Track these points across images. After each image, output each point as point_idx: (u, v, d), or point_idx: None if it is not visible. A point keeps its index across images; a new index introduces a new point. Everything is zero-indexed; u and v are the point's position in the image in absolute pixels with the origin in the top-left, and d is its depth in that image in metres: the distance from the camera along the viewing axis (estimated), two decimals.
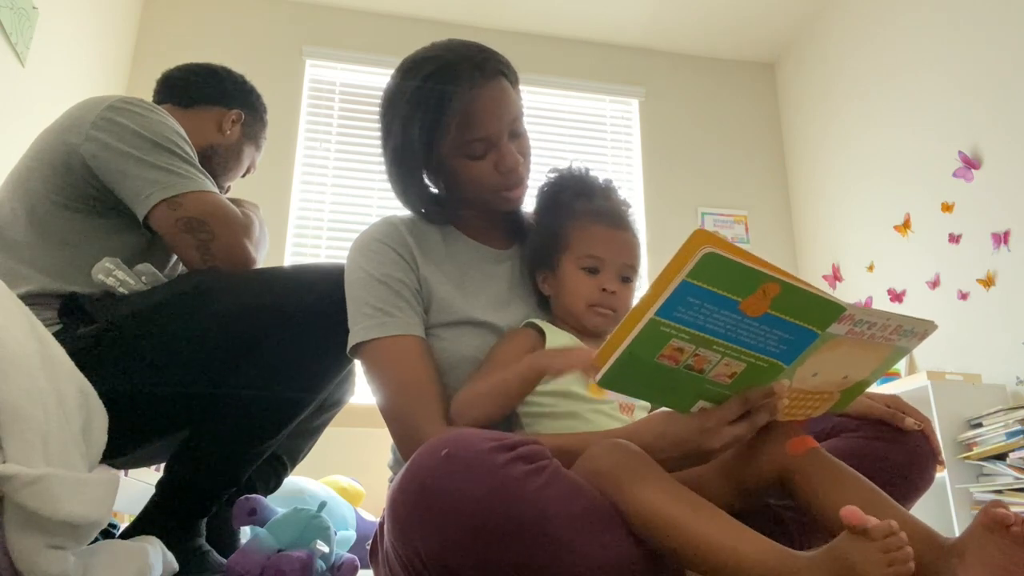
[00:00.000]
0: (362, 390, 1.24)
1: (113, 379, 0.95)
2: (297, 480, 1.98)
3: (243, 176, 1.54)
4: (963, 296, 2.81)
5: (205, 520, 1.15)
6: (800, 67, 3.98)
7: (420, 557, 0.65)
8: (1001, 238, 2.67)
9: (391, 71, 1.06)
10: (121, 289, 1.11)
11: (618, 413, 0.95)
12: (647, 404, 0.98)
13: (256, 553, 1.08)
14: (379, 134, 1.06)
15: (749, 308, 0.65)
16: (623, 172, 3.87)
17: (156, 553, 0.93)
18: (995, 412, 2.36)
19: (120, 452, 1.04)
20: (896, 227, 3.18)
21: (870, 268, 3.35)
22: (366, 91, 3.63)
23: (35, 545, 0.70)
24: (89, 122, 1.14)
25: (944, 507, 2.39)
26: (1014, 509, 0.65)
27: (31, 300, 1.07)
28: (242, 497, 1.17)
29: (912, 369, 3.01)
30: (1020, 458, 2.21)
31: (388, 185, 1.08)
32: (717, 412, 0.75)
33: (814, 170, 3.81)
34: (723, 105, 4.06)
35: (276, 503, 1.24)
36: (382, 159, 1.07)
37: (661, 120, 3.95)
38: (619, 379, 0.72)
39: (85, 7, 2.92)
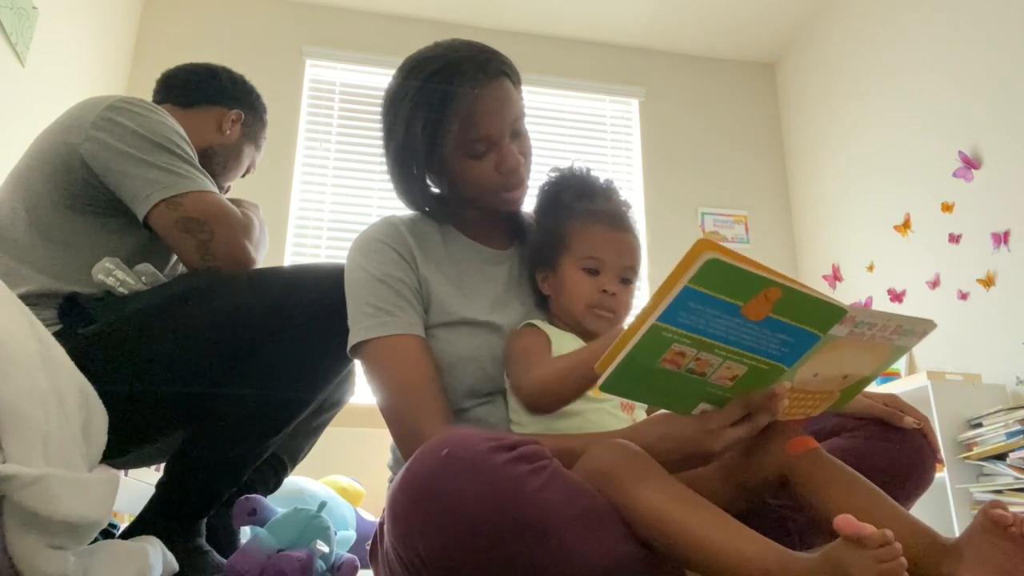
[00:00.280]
0: (362, 390, 1.24)
1: (113, 379, 0.95)
2: (297, 480, 1.98)
3: (243, 176, 1.54)
4: (963, 296, 2.81)
5: (205, 520, 1.15)
6: (800, 67, 3.98)
7: (420, 557, 0.65)
8: (1001, 238, 2.67)
9: (391, 71, 1.06)
10: (121, 289, 1.11)
11: (619, 412, 0.95)
12: None
13: (256, 553, 1.08)
14: (380, 134, 1.06)
15: (751, 312, 0.65)
16: (623, 172, 3.87)
17: (156, 553, 0.93)
18: (995, 412, 2.36)
19: (120, 452, 1.04)
20: (896, 227, 3.18)
21: (870, 268, 3.35)
22: (366, 91, 3.63)
23: (35, 545, 0.70)
24: (89, 122, 1.14)
25: (944, 507, 2.39)
26: (1014, 509, 0.65)
27: (31, 300, 1.07)
28: (242, 497, 1.17)
29: (912, 369, 3.01)
30: (1020, 458, 2.21)
31: (388, 185, 1.08)
32: (719, 414, 0.76)
33: (814, 170, 3.81)
34: (723, 105, 4.07)
35: (276, 503, 1.24)
36: (383, 158, 1.07)
37: (661, 120, 3.95)
38: (621, 383, 0.72)
39: (85, 7, 2.92)
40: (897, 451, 0.94)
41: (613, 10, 3.78)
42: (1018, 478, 2.20)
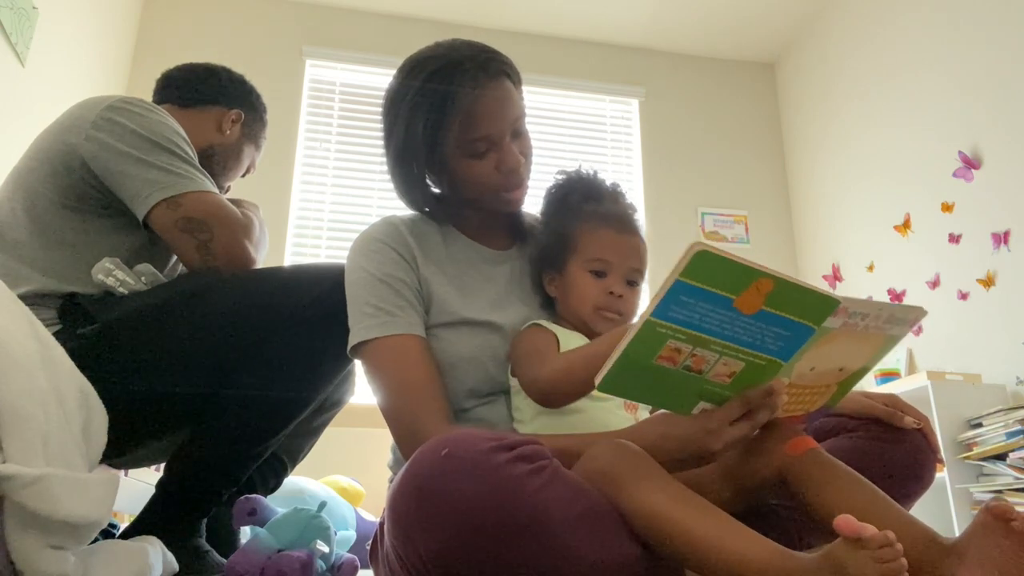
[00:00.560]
0: (362, 390, 1.24)
1: (113, 379, 0.95)
2: (297, 480, 1.98)
3: (243, 176, 1.54)
4: (963, 296, 2.81)
5: (205, 520, 1.15)
6: (800, 67, 3.98)
7: (420, 557, 0.65)
8: (1001, 238, 2.67)
9: (391, 71, 1.06)
10: (121, 289, 1.11)
11: (621, 411, 0.95)
12: None
13: (256, 553, 1.08)
14: (380, 133, 1.06)
15: (744, 305, 0.65)
16: (623, 172, 3.87)
17: (156, 553, 0.93)
18: (995, 412, 2.36)
19: (120, 452, 1.04)
20: (896, 227, 3.18)
21: (870, 268, 3.35)
22: (366, 91, 3.63)
23: (35, 545, 0.70)
24: (89, 122, 1.14)
25: (944, 507, 2.39)
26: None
27: (31, 300, 1.07)
28: (242, 497, 1.17)
29: (912, 369, 3.01)
30: (1020, 458, 2.21)
31: (388, 185, 1.08)
32: (718, 413, 0.76)
33: (814, 170, 3.81)
34: (723, 105, 4.07)
35: (276, 503, 1.24)
36: (384, 158, 1.07)
37: (661, 120, 3.95)
38: (619, 382, 0.72)
39: (85, 7, 2.92)
40: (897, 451, 0.94)
41: (613, 10, 3.79)
42: (1018, 478, 2.20)
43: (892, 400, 0.98)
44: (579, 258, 1.00)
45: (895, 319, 0.73)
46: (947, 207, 2.91)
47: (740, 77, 4.15)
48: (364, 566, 1.21)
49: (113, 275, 1.11)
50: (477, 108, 0.97)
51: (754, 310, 0.65)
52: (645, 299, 0.92)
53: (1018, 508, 0.64)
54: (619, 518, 0.70)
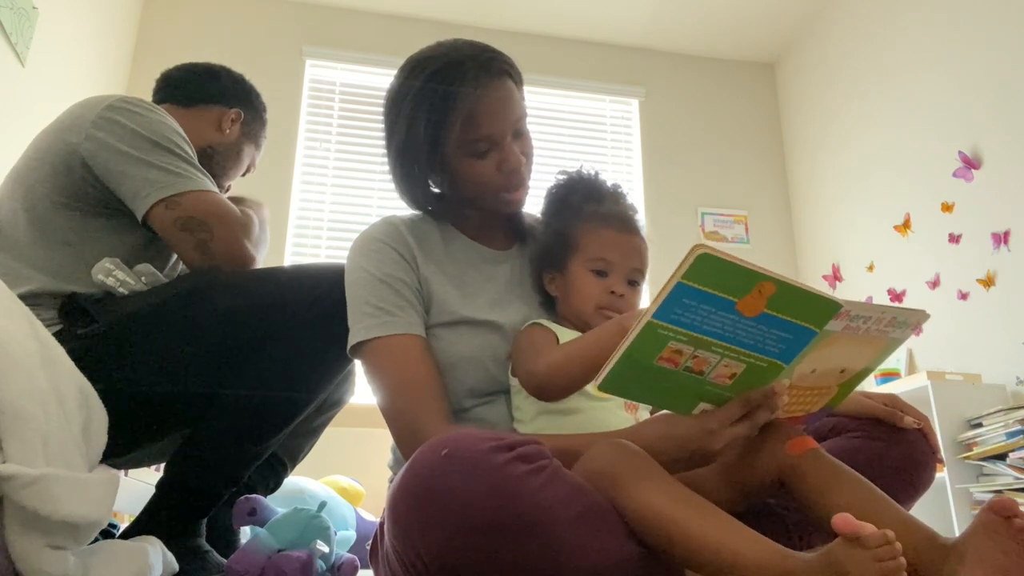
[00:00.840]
0: (362, 390, 1.24)
1: (113, 379, 0.95)
2: (297, 480, 1.98)
3: (243, 175, 1.54)
4: (963, 296, 2.81)
5: (205, 520, 1.15)
6: (800, 67, 3.98)
7: (420, 557, 0.65)
8: (1001, 238, 2.67)
9: (391, 71, 1.06)
10: (121, 289, 1.11)
11: (621, 411, 0.95)
12: None
13: (256, 553, 1.08)
14: (381, 133, 1.06)
15: (746, 308, 0.65)
16: (623, 172, 3.87)
17: (156, 553, 0.93)
18: (995, 412, 2.36)
19: (120, 452, 1.04)
20: (896, 227, 3.18)
21: (870, 268, 3.35)
22: (366, 91, 3.63)
23: (35, 545, 0.70)
24: (89, 121, 1.14)
25: (944, 507, 2.39)
26: None
27: (31, 300, 1.07)
28: (242, 497, 1.17)
29: (912, 369, 3.01)
30: (1020, 458, 2.21)
31: (388, 185, 1.08)
32: (719, 413, 0.76)
33: (814, 170, 3.81)
34: (723, 105, 4.07)
35: (276, 503, 1.24)
36: (385, 157, 1.07)
37: (661, 120, 3.95)
38: (619, 382, 0.72)
39: (85, 7, 2.92)
40: (897, 451, 0.94)
41: (613, 10, 3.79)
42: (1018, 478, 2.20)
43: (892, 400, 0.98)
44: (580, 257, 1.00)
45: (897, 322, 0.73)
46: (947, 207, 2.91)
47: (740, 77, 4.15)
48: (364, 566, 1.21)
49: (113, 275, 1.11)
50: (479, 108, 0.97)
51: (756, 313, 0.65)
52: (646, 299, 0.92)
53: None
54: (619, 518, 0.70)
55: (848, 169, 3.54)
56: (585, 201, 1.03)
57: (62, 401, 0.79)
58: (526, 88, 1.08)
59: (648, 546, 0.69)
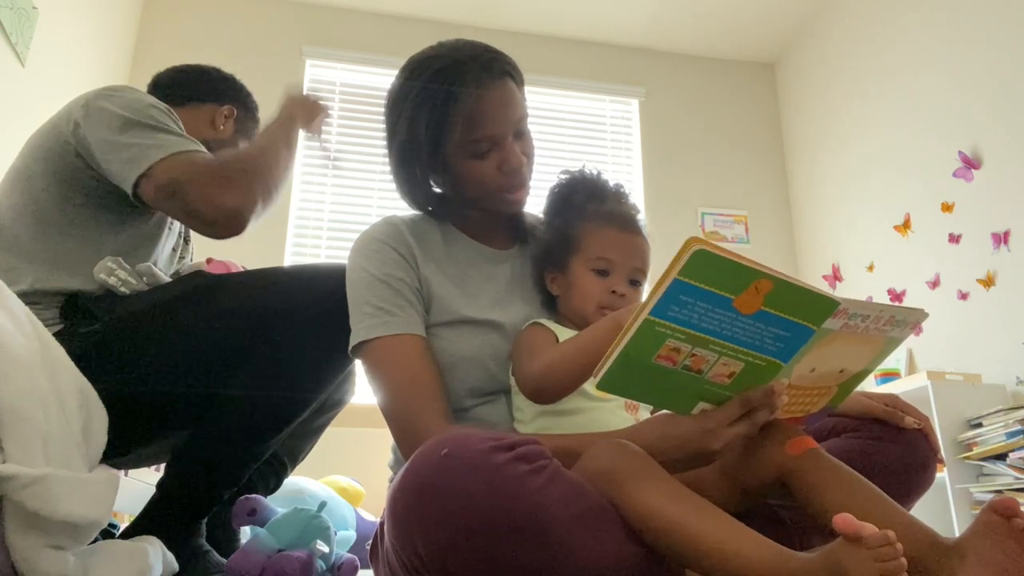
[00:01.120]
0: (362, 390, 1.24)
1: (113, 379, 0.95)
2: (297, 480, 1.98)
3: None
4: (963, 296, 2.81)
5: (205, 520, 1.15)
6: (800, 67, 3.98)
7: (420, 557, 0.65)
8: (1001, 238, 2.67)
9: (391, 71, 1.06)
10: (123, 289, 1.11)
11: (621, 411, 0.95)
12: None
13: (256, 553, 1.08)
14: (381, 133, 1.07)
15: (743, 305, 0.65)
16: (623, 172, 3.88)
17: (156, 553, 0.93)
18: (995, 412, 2.36)
19: (120, 452, 1.04)
20: (896, 227, 3.18)
21: (870, 268, 3.35)
22: (366, 91, 3.63)
23: (35, 545, 0.70)
24: (76, 113, 1.15)
25: (944, 507, 2.39)
26: None
27: (31, 298, 1.07)
28: (242, 497, 1.17)
29: (912, 369, 3.01)
30: (1020, 458, 2.21)
31: (388, 185, 1.08)
32: (718, 413, 0.76)
33: (814, 170, 3.81)
34: (723, 105, 4.07)
35: (276, 503, 1.24)
36: (386, 157, 1.07)
37: (661, 120, 3.95)
38: (618, 381, 0.72)
39: (85, 7, 2.92)
40: (897, 451, 0.94)
41: (613, 10, 3.79)
42: (1018, 478, 2.20)
43: (892, 400, 0.98)
44: (582, 257, 1.00)
45: (896, 321, 0.73)
46: (947, 207, 2.91)
47: (740, 77, 4.16)
48: (364, 566, 1.21)
49: (115, 275, 1.11)
50: (480, 108, 0.97)
51: (753, 310, 0.65)
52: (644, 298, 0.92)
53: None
54: (619, 518, 0.70)
55: (848, 169, 3.54)
56: (588, 200, 1.03)
57: (62, 401, 0.79)
58: (526, 88, 1.08)
59: (648, 546, 0.69)
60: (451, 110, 0.96)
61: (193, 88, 1.43)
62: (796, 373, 0.74)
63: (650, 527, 0.68)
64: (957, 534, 0.68)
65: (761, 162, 4.02)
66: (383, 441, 1.00)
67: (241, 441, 1.12)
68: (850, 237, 3.50)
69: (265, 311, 1.08)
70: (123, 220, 1.19)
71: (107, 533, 1.22)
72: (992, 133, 2.74)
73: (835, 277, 3.58)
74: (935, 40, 3.06)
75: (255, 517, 1.15)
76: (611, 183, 1.07)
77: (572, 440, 0.85)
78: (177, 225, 1.38)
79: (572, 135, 3.85)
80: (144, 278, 1.14)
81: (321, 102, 1.42)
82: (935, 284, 2.95)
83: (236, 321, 1.08)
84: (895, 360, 3.06)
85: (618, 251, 0.99)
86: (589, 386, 0.92)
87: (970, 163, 2.81)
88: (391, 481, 0.97)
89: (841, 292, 3.51)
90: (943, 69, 3.00)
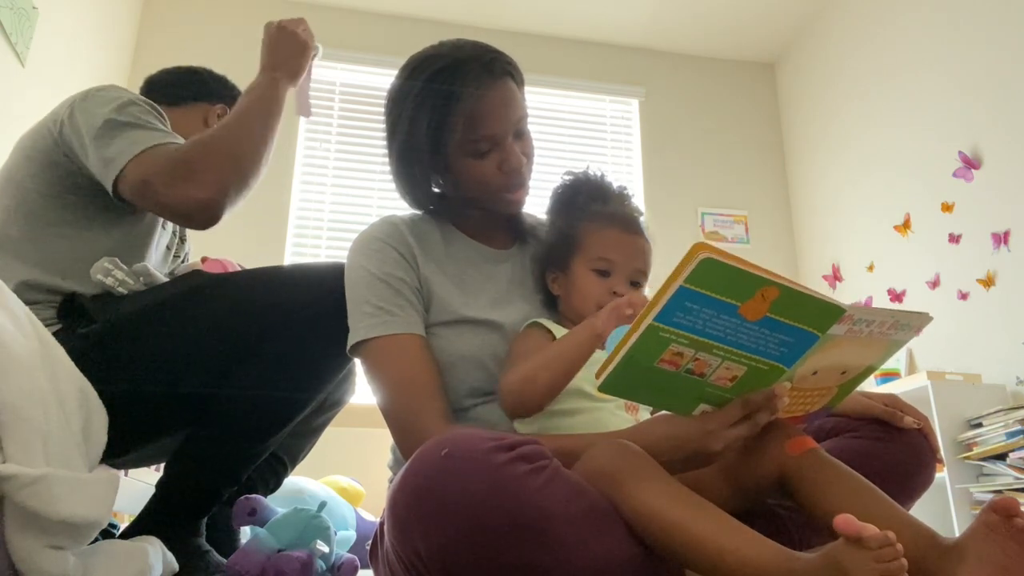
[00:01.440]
0: (362, 390, 1.24)
1: (113, 379, 0.95)
2: (297, 480, 1.98)
3: None
4: (963, 296, 2.81)
5: (205, 520, 1.15)
6: (800, 67, 3.98)
7: (420, 557, 0.65)
8: (1001, 238, 2.67)
9: (391, 71, 1.06)
10: (120, 289, 1.11)
11: (622, 412, 0.95)
12: None
13: (256, 553, 1.08)
14: (381, 133, 1.07)
15: (748, 312, 0.65)
16: (623, 172, 3.87)
17: (156, 553, 0.93)
18: (995, 412, 2.36)
19: (120, 452, 1.04)
20: (896, 227, 3.18)
21: (870, 268, 3.35)
22: (366, 91, 3.63)
23: (35, 545, 0.70)
24: (63, 115, 1.16)
25: (944, 507, 2.39)
26: None
27: (28, 297, 1.07)
28: (242, 497, 1.17)
29: (912, 369, 3.01)
30: (1020, 458, 2.21)
31: (388, 185, 1.08)
32: (719, 415, 0.75)
33: (814, 170, 3.81)
34: (723, 105, 4.07)
35: (276, 503, 1.24)
36: (386, 157, 1.07)
37: (661, 120, 3.95)
38: (620, 384, 0.72)
39: (85, 7, 2.92)
40: (897, 451, 0.94)
41: (613, 10, 3.78)
42: (1018, 478, 2.20)
43: (892, 400, 0.98)
44: (583, 257, 1.00)
45: (900, 325, 0.72)
46: (947, 207, 2.91)
47: (740, 77, 4.15)
48: (364, 566, 1.21)
49: (112, 275, 1.11)
50: (480, 108, 0.97)
51: (758, 317, 0.65)
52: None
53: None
54: (619, 518, 0.70)
55: (848, 169, 3.54)
56: (590, 201, 1.03)
57: (62, 401, 0.79)
58: (527, 88, 1.08)
59: (648, 546, 0.69)
60: (451, 110, 0.96)
61: (185, 88, 1.45)
62: (798, 375, 0.74)
63: (650, 527, 0.68)
64: (957, 534, 0.68)
65: (761, 162, 4.02)
66: (383, 441, 1.00)
67: (240, 441, 1.12)
68: (850, 237, 3.50)
69: (264, 310, 1.08)
70: (115, 219, 1.19)
71: (107, 533, 1.22)
72: (992, 133, 2.74)
73: (835, 277, 3.58)
74: (935, 40, 3.06)
75: (255, 517, 1.15)
76: (615, 184, 1.07)
77: (572, 440, 0.85)
78: (171, 224, 1.38)
79: (572, 135, 3.85)
80: (141, 278, 1.13)
81: (306, 37, 1.33)
82: (935, 284, 2.95)
83: (235, 321, 1.08)
84: (895, 360, 3.06)
85: (619, 252, 0.99)
86: (590, 387, 0.92)
87: (970, 163, 2.81)
88: (391, 481, 0.97)
89: (841, 292, 3.51)
90: (943, 69, 3.00)
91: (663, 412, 0.84)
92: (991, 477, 2.33)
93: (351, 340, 0.97)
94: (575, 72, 3.88)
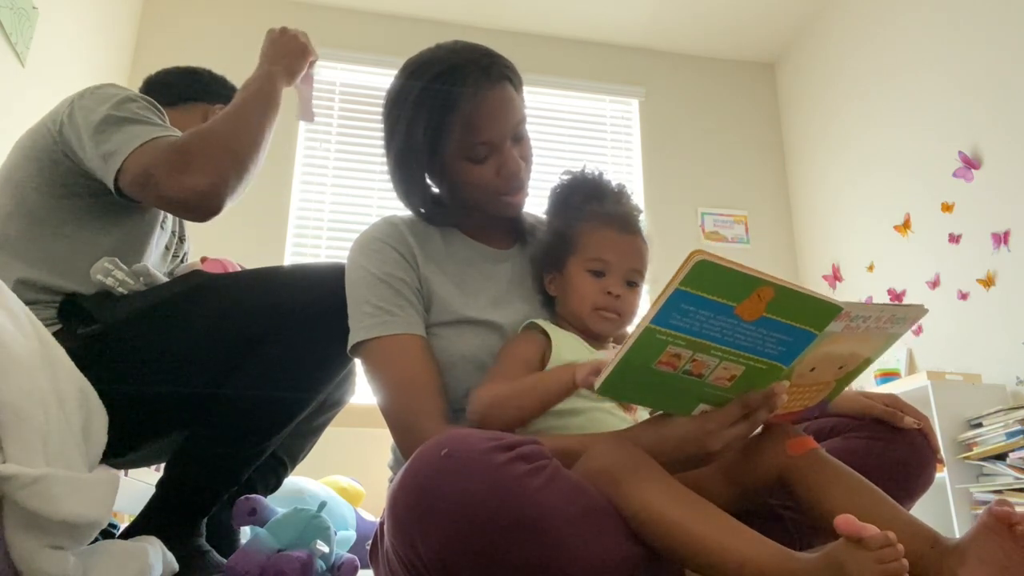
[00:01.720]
0: (362, 390, 1.24)
1: (113, 379, 0.95)
2: (297, 480, 1.98)
3: None
4: (963, 296, 2.81)
5: (205, 520, 1.15)
6: (800, 67, 3.98)
7: (420, 557, 0.65)
8: (1001, 238, 2.67)
9: (391, 71, 1.06)
10: (120, 289, 1.11)
11: (619, 412, 0.95)
12: None
13: (256, 553, 1.08)
14: (381, 134, 1.06)
15: (745, 313, 0.65)
16: (623, 172, 3.87)
17: (156, 553, 0.93)
18: (995, 412, 2.36)
19: (120, 452, 1.04)
20: (896, 227, 3.18)
21: (870, 268, 3.35)
22: (366, 91, 3.63)
23: (35, 545, 0.70)
24: (63, 114, 1.16)
25: (944, 507, 2.39)
26: (1016, 509, 0.65)
27: (29, 297, 1.07)
28: (242, 497, 1.17)
29: (912, 369, 3.01)
30: (1020, 458, 2.21)
31: (388, 185, 1.08)
32: (718, 415, 0.75)
33: (814, 170, 3.81)
34: (723, 105, 4.07)
35: (276, 503, 1.24)
36: (384, 159, 1.07)
37: (661, 120, 3.95)
38: (618, 386, 0.72)
39: (85, 7, 2.92)
40: (897, 451, 0.94)
41: (613, 10, 3.78)
42: (1018, 478, 2.20)
43: (892, 400, 0.98)
44: (578, 258, 1.00)
45: (897, 319, 0.73)
46: (947, 207, 2.91)
47: (740, 77, 4.15)
48: (364, 566, 1.21)
49: (112, 275, 1.11)
50: (479, 113, 0.96)
51: (755, 317, 0.65)
52: (646, 301, 0.92)
53: (1018, 508, 0.64)
54: (619, 518, 0.70)
55: (848, 169, 3.54)
56: (586, 201, 1.03)
57: (62, 401, 0.79)
58: (526, 88, 1.08)
59: (648, 546, 0.69)
60: (449, 116, 0.96)
61: (184, 88, 1.44)
62: (796, 372, 0.74)
63: (650, 527, 0.68)
64: (957, 534, 0.69)
65: (761, 162, 4.02)
66: (383, 441, 1.00)
67: (240, 441, 1.12)
68: (850, 237, 3.50)
69: (264, 310, 1.08)
70: (114, 219, 1.19)
71: (107, 533, 1.22)
72: (992, 133, 2.74)
73: (835, 277, 3.58)
74: (935, 40, 3.06)
75: (255, 517, 1.15)
76: (612, 183, 1.07)
77: (572, 440, 0.85)
78: (170, 224, 1.38)
79: (572, 135, 3.85)
80: (141, 278, 1.13)
81: (306, 42, 1.34)
82: (935, 284, 2.95)
83: (235, 320, 1.08)
84: (895, 360, 3.06)
85: (614, 252, 0.98)
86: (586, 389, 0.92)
87: (970, 163, 2.81)
88: (391, 481, 0.97)
89: (841, 292, 3.51)
90: (943, 69, 3.00)
91: (661, 412, 0.84)
92: (991, 477, 2.33)
93: (351, 340, 0.97)
94: (575, 72, 3.88)
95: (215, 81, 1.50)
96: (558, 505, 0.65)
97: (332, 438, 1.52)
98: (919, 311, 0.74)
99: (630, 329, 1.15)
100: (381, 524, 0.86)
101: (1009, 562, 0.63)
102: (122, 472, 1.50)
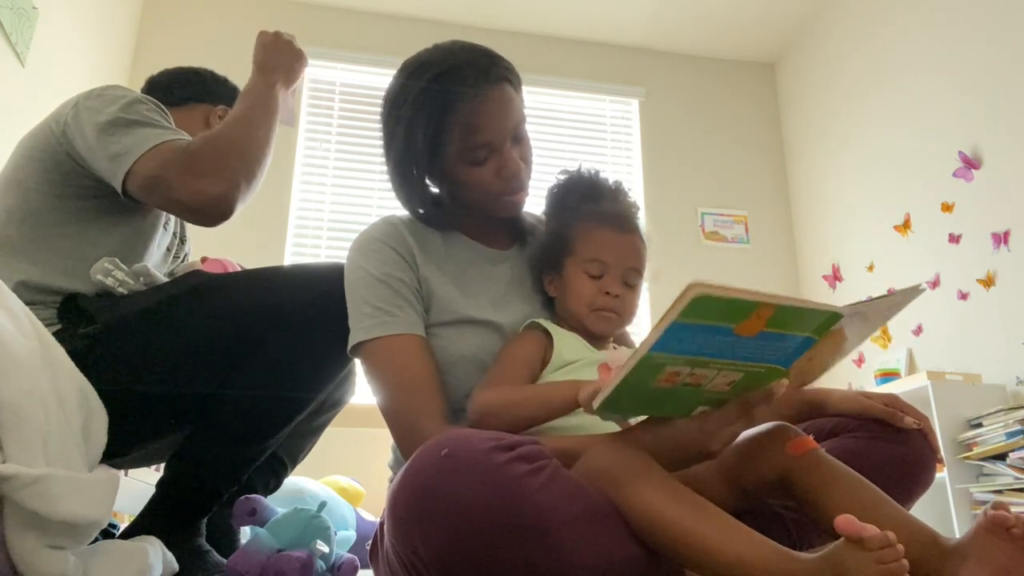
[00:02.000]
0: (362, 390, 1.24)
1: (113, 379, 0.95)
2: (297, 480, 1.98)
3: None
4: (963, 296, 2.81)
5: (205, 520, 1.15)
6: (800, 67, 3.98)
7: (420, 557, 0.65)
8: (1001, 238, 2.67)
9: (391, 71, 1.05)
10: (120, 289, 1.11)
11: None
12: None
13: (256, 553, 1.08)
14: (380, 136, 1.06)
15: (744, 330, 0.64)
16: (623, 172, 3.87)
17: (156, 553, 0.93)
18: (995, 412, 2.36)
19: (120, 452, 1.04)
20: (896, 227, 3.18)
21: (870, 268, 3.35)
22: (366, 91, 3.63)
23: (35, 545, 0.70)
24: (67, 115, 1.16)
25: (944, 507, 2.39)
26: (1014, 509, 0.65)
27: (30, 297, 1.07)
28: (242, 497, 1.17)
29: (912, 369, 3.01)
30: (1020, 458, 2.21)
31: (388, 185, 1.08)
32: (717, 415, 0.75)
33: (814, 170, 3.81)
34: (723, 105, 4.07)
35: (276, 503, 1.24)
36: (384, 161, 1.06)
37: (661, 120, 3.95)
38: (617, 405, 0.72)
39: (85, 7, 2.92)
40: (897, 451, 0.94)
41: (613, 10, 3.78)
42: (1018, 478, 2.20)
43: (892, 400, 0.98)
44: (576, 258, 1.00)
45: (895, 304, 0.75)
46: (947, 207, 2.91)
47: (740, 77, 4.15)
48: (364, 566, 1.21)
49: (112, 275, 1.11)
50: (478, 115, 0.96)
51: (754, 332, 0.65)
52: (645, 301, 0.92)
53: (1017, 509, 0.64)
54: (619, 518, 0.70)
55: (848, 169, 3.54)
56: (582, 201, 1.03)
57: (62, 401, 0.79)
58: (526, 88, 1.07)
59: (648, 546, 0.69)
60: (448, 117, 0.95)
61: (187, 89, 1.44)
62: (795, 369, 0.74)
63: (650, 527, 0.68)
64: (957, 534, 0.69)
65: (761, 162, 4.02)
66: (383, 441, 1.00)
67: (241, 441, 1.12)
68: (850, 237, 3.50)
69: (264, 310, 1.08)
70: (116, 219, 1.19)
71: (107, 533, 1.22)
72: (992, 133, 2.74)
73: (835, 277, 3.58)
74: (935, 40, 3.06)
75: (255, 517, 1.15)
76: (609, 181, 1.06)
77: (572, 440, 0.85)
78: (172, 225, 1.38)
79: (572, 135, 3.85)
80: (141, 278, 1.14)
81: (300, 48, 1.36)
82: (935, 284, 2.95)
83: (235, 320, 1.08)
84: (895, 360, 3.06)
85: (611, 252, 0.98)
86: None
87: (970, 163, 2.81)
88: (391, 481, 0.97)
89: (841, 292, 3.51)
90: (943, 69, 3.00)
91: None
92: (991, 477, 2.33)
93: (351, 341, 0.97)
94: (575, 72, 3.88)
95: (217, 82, 1.50)
96: (558, 505, 0.65)
97: (332, 438, 1.52)
98: (915, 292, 0.75)
99: (630, 329, 1.15)
100: (381, 524, 0.86)
101: (1009, 563, 0.63)
102: (122, 472, 1.50)
